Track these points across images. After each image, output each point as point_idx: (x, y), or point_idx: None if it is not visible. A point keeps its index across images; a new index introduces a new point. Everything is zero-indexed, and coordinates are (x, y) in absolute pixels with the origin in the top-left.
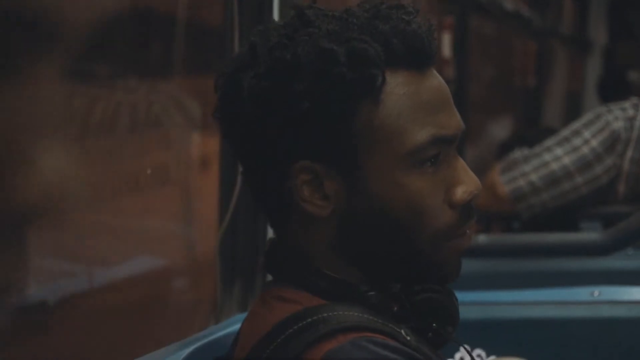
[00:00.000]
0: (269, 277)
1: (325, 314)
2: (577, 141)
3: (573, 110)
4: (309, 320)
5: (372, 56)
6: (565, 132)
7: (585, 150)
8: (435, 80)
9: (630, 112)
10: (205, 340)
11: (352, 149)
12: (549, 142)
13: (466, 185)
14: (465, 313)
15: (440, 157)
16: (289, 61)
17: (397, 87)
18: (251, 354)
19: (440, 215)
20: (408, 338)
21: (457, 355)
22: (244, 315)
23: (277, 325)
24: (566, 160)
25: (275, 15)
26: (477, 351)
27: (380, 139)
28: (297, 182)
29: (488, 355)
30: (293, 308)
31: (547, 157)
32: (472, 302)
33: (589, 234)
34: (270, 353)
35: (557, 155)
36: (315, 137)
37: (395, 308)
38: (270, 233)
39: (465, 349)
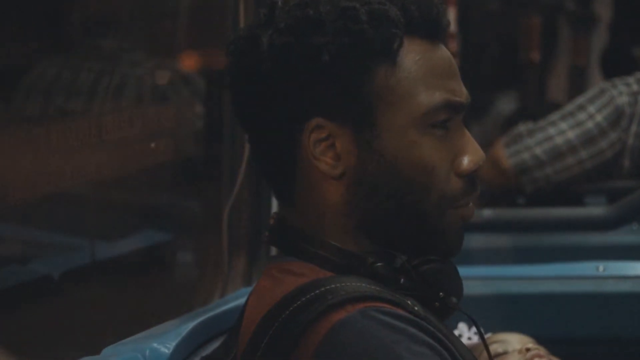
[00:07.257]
0: (274, 252)
1: (333, 285)
2: (581, 116)
3: (578, 85)
4: (317, 291)
5: (393, 17)
6: (570, 106)
7: (589, 124)
8: (446, 52)
9: (635, 87)
10: (211, 314)
11: (368, 107)
12: (554, 116)
13: (472, 155)
14: (470, 288)
15: (450, 124)
16: (311, 17)
17: (412, 52)
18: (260, 326)
19: (447, 180)
20: (415, 308)
21: (458, 327)
22: (249, 289)
23: (285, 297)
24: (570, 134)
25: None
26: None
27: (396, 99)
28: (310, 140)
29: (487, 331)
30: (301, 281)
31: (551, 131)
32: (477, 277)
33: (594, 209)
34: (279, 325)
35: (561, 129)
36: (333, 93)
37: (402, 279)
38: (275, 207)
39: (470, 317)
